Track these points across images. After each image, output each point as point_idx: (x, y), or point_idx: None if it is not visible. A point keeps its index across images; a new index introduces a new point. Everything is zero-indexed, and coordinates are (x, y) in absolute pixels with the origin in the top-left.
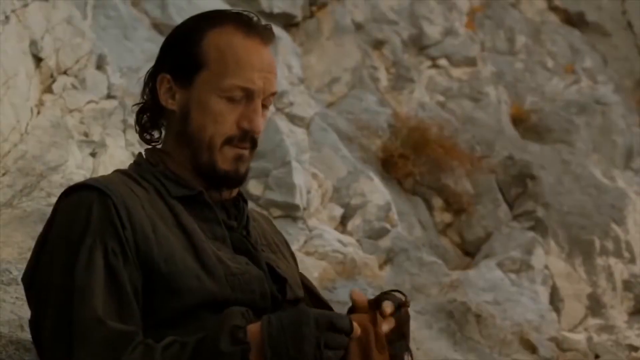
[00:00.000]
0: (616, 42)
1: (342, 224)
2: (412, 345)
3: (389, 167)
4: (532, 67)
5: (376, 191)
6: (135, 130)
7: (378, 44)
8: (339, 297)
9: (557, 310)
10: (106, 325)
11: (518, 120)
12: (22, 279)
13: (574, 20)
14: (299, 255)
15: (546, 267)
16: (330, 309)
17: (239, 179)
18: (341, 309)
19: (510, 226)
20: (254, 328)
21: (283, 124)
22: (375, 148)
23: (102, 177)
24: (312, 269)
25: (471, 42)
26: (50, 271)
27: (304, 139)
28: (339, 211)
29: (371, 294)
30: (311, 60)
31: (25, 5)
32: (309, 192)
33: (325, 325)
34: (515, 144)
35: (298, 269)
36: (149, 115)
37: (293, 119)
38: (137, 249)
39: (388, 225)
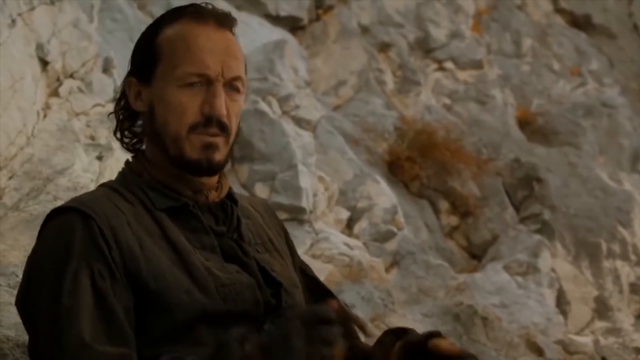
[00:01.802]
0: (622, 44)
1: (349, 227)
2: None
3: (395, 170)
4: (538, 69)
5: (382, 194)
6: (117, 138)
7: (384, 47)
8: (346, 301)
9: (564, 313)
10: (94, 349)
11: (524, 123)
12: (16, 304)
13: (580, 22)
14: (306, 259)
15: (553, 270)
16: (333, 295)
17: (213, 167)
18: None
19: (516, 229)
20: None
21: (289, 127)
22: (381, 151)
23: (87, 195)
24: (318, 272)
25: (477, 44)
26: (38, 297)
27: (310, 142)
28: (345, 214)
29: (377, 297)
30: (317, 63)
31: (32, 9)
32: (315, 195)
33: (312, 320)
34: (521, 146)
35: (295, 257)
36: (126, 122)
37: (299, 122)
38: (125, 268)
39: (394, 228)
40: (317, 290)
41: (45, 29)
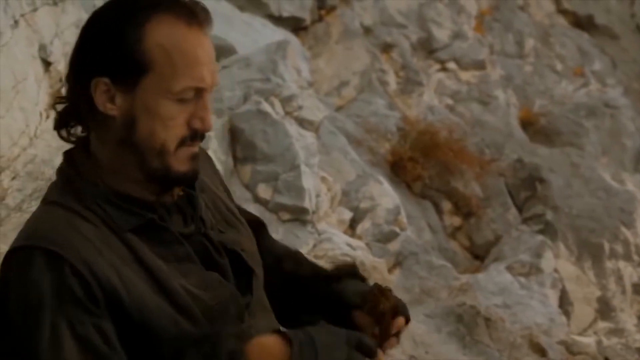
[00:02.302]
0: (625, 45)
1: (351, 227)
2: (422, 349)
3: (398, 170)
4: (541, 70)
5: (385, 195)
6: (56, 128)
7: (387, 48)
8: None
9: (567, 313)
10: None
11: (527, 124)
12: None
13: (582, 23)
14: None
15: (555, 270)
16: (258, 221)
17: (195, 177)
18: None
19: (519, 229)
20: (278, 350)
21: (292, 127)
22: (384, 151)
23: (46, 225)
24: None
25: (480, 45)
26: (13, 351)
27: (313, 143)
28: (348, 215)
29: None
30: (320, 63)
31: (35, 10)
32: (318, 195)
33: (354, 344)
34: (524, 147)
35: (234, 203)
36: (75, 115)
37: (302, 122)
38: (107, 302)
39: (397, 229)
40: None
41: (48, 29)
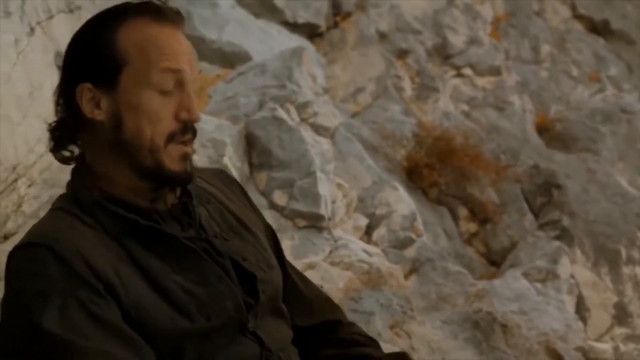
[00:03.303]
0: None
1: (367, 234)
2: (438, 356)
3: (413, 176)
4: (556, 75)
5: (401, 201)
6: (52, 150)
7: (402, 54)
8: (365, 308)
9: (584, 319)
10: None
11: (543, 129)
12: None
13: (598, 28)
14: (324, 266)
15: (572, 276)
16: (293, 282)
17: (189, 178)
18: (366, 319)
19: (535, 235)
20: None
21: (307, 134)
22: (400, 158)
23: (47, 227)
24: (337, 279)
25: (495, 51)
26: (20, 345)
27: (329, 149)
28: (364, 221)
29: (396, 304)
30: (335, 70)
31: (50, 17)
32: (334, 202)
33: None
34: (540, 153)
35: (263, 220)
36: (66, 131)
37: (318, 129)
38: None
39: (413, 235)
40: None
41: (63, 37)
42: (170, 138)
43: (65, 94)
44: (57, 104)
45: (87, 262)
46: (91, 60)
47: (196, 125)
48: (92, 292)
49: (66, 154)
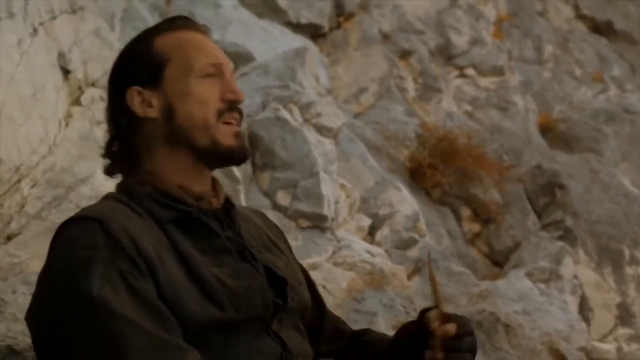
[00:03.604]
0: None
1: (370, 234)
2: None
3: (417, 177)
4: (559, 76)
5: (404, 201)
6: (108, 172)
7: (405, 54)
8: (368, 308)
9: (587, 320)
10: (150, 333)
11: (546, 130)
12: (26, 318)
13: (601, 28)
14: (327, 266)
15: (575, 276)
16: (323, 305)
17: (245, 153)
18: (369, 320)
19: (538, 236)
20: None
21: (311, 134)
22: (403, 158)
23: (97, 206)
24: (340, 279)
25: (498, 51)
26: (63, 303)
27: (332, 150)
28: (367, 221)
29: (399, 304)
30: (338, 70)
31: (54, 18)
32: (337, 202)
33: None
34: (543, 153)
35: (296, 261)
36: (121, 146)
37: (321, 129)
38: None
39: (416, 236)
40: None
41: (66, 37)
42: (220, 115)
43: (116, 106)
44: (109, 124)
45: (132, 239)
46: (134, 66)
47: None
48: (133, 266)
49: (119, 170)
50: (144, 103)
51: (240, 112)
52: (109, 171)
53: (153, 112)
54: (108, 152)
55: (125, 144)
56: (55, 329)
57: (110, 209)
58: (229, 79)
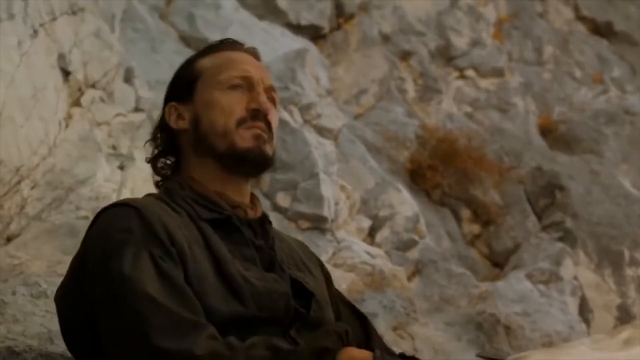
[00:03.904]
0: None
1: (371, 235)
2: (441, 357)
3: (417, 178)
4: (560, 77)
5: (404, 202)
6: (157, 185)
7: (405, 55)
8: (368, 309)
9: (587, 321)
10: (172, 312)
11: (546, 131)
12: (55, 298)
13: (601, 29)
14: (327, 268)
15: (575, 278)
16: (366, 320)
17: (265, 157)
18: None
19: (539, 237)
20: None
21: (311, 135)
22: (403, 159)
23: (136, 198)
24: (340, 280)
25: (498, 52)
26: (93, 280)
27: (332, 151)
28: (367, 223)
29: (399, 305)
30: (339, 71)
31: (54, 19)
32: (337, 203)
33: None
34: (543, 154)
35: (332, 287)
36: (163, 156)
37: (321, 130)
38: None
39: (416, 237)
40: (354, 317)
41: (67, 39)
42: (241, 122)
43: (159, 124)
44: (154, 139)
45: (166, 228)
46: (176, 84)
47: (270, 119)
48: (164, 252)
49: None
50: (179, 117)
51: (267, 122)
52: (159, 184)
53: (184, 124)
54: (155, 169)
55: (166, 157)
56: (83, 308)
57: (149, 201)
58: (258, 91)
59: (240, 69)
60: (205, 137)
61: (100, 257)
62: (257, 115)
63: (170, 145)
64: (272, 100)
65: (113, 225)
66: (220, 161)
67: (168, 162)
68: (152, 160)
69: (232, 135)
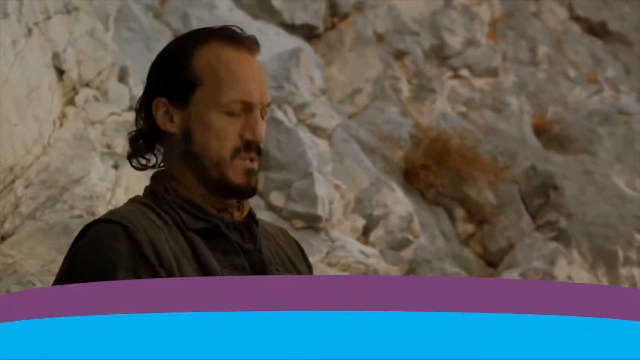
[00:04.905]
0: (639, 51)
1: (365, 235)
2: None
3: (411, 178)
4: (554, 77)
5: (398, 202)
6: (129, 157)
7: (400, 55)
8: None
9: None
10: None
11: (540, 131)
12: None
13: (596, 29)
14: (322, 267)
15: (569, 277)
16: None
17: (252, 191)
18: None
19: (533, 237)
20: None
21: (305, 135)
22: (397, 159)
23: (123, 209)
24: None
25: (493, 52)
26: None
27: (326, 151)
28: (361, 222)
29: None
30: (333, 71)
31: (48, 18)
32: (331, 203)
33: None
34: (537, 154)
35: None
36: (145, 141)
37: (315, 130)
38: None
39: (410, 236)
40: None
41: (61, 38)
42: (236, 152)
43: (146, 107)
44: (137, 114)
45: (154, 247)
46: (168, 78)
47: (262, 146)
48: (153, 275)
49: (142, 161)
50: (167, 115)
51: (258, 151)
52: (132, 160)
53: (173, 128)
54: (133, 147)
55: (149, 144)
56: None
57: (135, 213)
58: (255, 118)
59: (243, 90)
60: (196, 156)
61: (89, 279)
62: (251, 146)
63: (153, 136)
64: (263, 115)
65: (100, 245)
66: (205, 183)
67: (147, 145)
68: (132, 140)
69: (225, 166)
